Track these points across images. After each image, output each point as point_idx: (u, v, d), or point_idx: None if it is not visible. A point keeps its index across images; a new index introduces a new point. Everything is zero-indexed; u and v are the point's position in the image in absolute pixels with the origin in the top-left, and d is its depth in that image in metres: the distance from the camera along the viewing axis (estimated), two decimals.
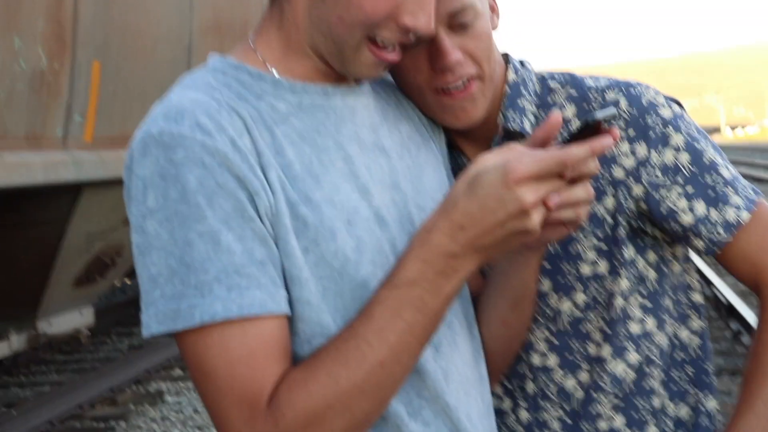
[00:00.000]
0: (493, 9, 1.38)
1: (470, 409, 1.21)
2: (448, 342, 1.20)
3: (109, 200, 5.80)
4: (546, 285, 1.40)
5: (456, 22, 1.29)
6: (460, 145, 1.42)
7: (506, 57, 1.45)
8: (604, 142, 1.04)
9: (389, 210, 1.18)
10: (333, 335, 1.09)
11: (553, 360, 1.42)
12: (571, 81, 1.43)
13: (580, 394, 1.41)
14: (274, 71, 1.18)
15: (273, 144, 1.12)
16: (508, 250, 1.08)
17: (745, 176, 16.76)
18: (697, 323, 1.46)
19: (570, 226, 1.16)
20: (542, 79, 1.44)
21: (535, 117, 1.41)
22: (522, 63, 1.46)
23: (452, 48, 1.28)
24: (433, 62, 1.29)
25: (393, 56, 1.17)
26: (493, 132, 1.40)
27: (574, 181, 1.06)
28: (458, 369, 1.21)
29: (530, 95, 1.42)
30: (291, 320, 1.10)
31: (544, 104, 1.42)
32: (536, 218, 1.03)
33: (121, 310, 8.93)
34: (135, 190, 1.07)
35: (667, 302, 1.43)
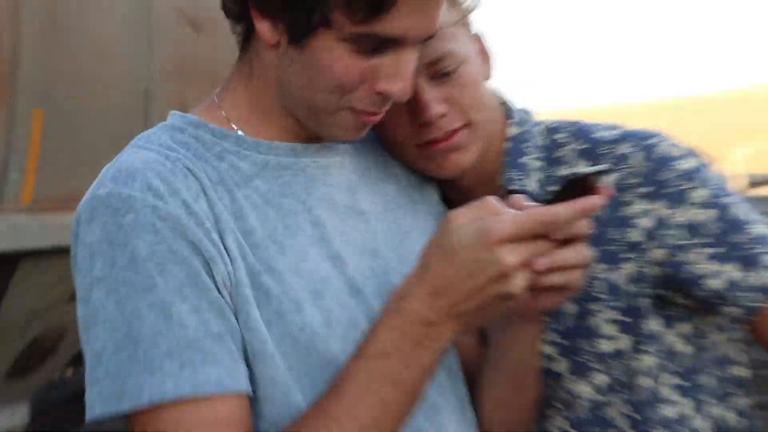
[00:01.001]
0: (485, 55, 1.45)
1: None
2: (435, 428, 1.26)
3: (50, 273, 5.75)
4: (562, 366, 1.44)
5: (437, 71, 1.36)
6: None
7: (506, 106, 1.50)
8: (593, 202, 1.11)
9: (366, 279, 1.26)
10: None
11: None
12: (581, 133, 1.47)
13: None
14: (239, 130, 1.27)
15: (233, 208, 1.20)
16: (491, 317, 1.15)
17: None
18: (743, 402, 1.48)
19: (565, 293, 1.22)
20: (548, 131, 1.49)
21: (542, 173, 1.46)
22: (525, 112, 1.51)
23: (434, 101, 1.35)
24: (414, 117, 1.36)
25: (375, 117, 1.25)
26: (494, 193, 1.44)
27: (566, 242, 1.14)
28: None
29: (535, 150, 1.47)
30: (255, 401, 1.17)
31: (551, 160, 1.47)
32: (519, 282, 1.10)
33: (62, 408, 8.86)
34: (81, 258, 1.15)
35: (709, 380, 1.45)
